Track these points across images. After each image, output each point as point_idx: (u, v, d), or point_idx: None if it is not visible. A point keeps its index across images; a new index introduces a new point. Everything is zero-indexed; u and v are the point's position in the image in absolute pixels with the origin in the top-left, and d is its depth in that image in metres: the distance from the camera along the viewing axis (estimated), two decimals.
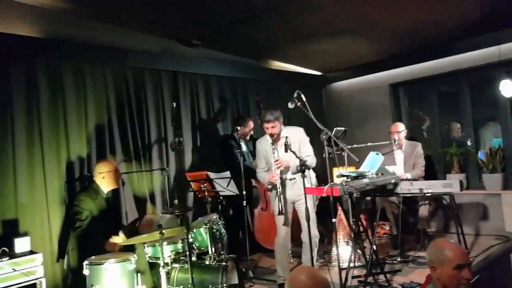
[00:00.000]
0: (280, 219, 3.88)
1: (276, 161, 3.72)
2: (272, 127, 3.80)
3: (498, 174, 5.11)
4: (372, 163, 4.29)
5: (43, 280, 3.20)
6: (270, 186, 3.89)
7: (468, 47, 5.24)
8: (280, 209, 3.63)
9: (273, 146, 3.80)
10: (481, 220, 5.22)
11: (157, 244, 3.30)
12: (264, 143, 3.97)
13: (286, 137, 3.62)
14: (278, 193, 3.65)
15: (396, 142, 5.00)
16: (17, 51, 3.67)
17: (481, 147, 5.55)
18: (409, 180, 4.51)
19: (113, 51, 4.33)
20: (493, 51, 5.03)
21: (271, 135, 3.81)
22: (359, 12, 4.34)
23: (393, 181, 4.15)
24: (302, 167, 3.31)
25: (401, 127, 5.08)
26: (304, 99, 3.51)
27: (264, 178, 3.92)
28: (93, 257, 3.16)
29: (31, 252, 3.25)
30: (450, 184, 4.17)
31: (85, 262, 3.08)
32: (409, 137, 5.29)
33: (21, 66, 3.69)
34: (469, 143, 5.57)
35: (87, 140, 4.06)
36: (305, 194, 3.42)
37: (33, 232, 3.57)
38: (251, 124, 5.07)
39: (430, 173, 5.22)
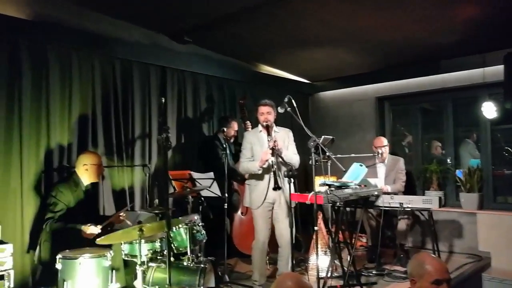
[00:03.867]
0: (259, 220, 3.81)
1: (274, 140, 3.61)
2: (268, 112, 3.77)
3: (475, 193, 5.21)
4: (355, 174, 4.31)
5: (12, 272, 3.05)
6: (260, 171, 3.74)
7: (454, 67, 5.35)
8: (277, 184, 3.46)
9: (267, 137, 3.74)
10: (455, 238, 5.32)
11: (134, 241, 3.21)
12: (254, 134, 3.94)
13: (275, 141, 3.60)
14: (274, 170, 3.53)
15: (379, 156, 5.05)
16: (1, 32, 3.51)
17: (460, 166, 5.66)
18: (389, 193, 4.55)
19: (103, 40, 4.20)
20: (478, 72, 5.15)
21: (265, 121, 3.75)
22: (352, 24, 4.38)
23: (375, 193, 4.18)
24: (290, 173, 3.27)
25: (384, 141, 5.14)
26: (294, 104, 3.50)
27: (249, 167, 3.82)
28: (67, 250, 3.03)
29: (1, 242, 3.10)
30: (429, 200, 4.23)
31: (58, 256, 2.95)
32: (391, 152, 5.35)
33: (5, 48, 3.55)
34: (449, 161, 5.68)
35: (69, 129, 3.93)
36: (290, 200, 3.40)
37: (4, 221, 3.40)
38: (235, 125, 5.01)
39: (410, 189, 5.28)
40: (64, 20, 3.94)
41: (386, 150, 5.08)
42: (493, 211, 5.12)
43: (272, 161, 3.60)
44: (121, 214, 3.54)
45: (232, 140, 5.08)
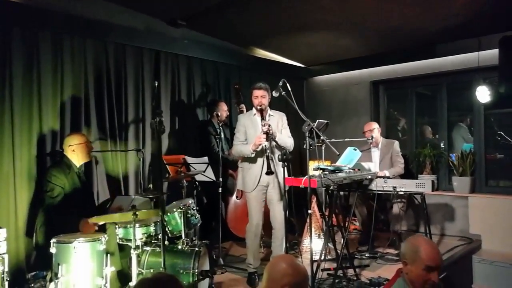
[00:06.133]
0: (253, 203, 3.82)
1: (268, 125, 3.60)
2: (262, 96, 3.76)
3: (467, 177, 5.26)
4: (349, 158, 4.33)
5: (6, 257, 3.03)
6: (253, 154, 3.75)
7: (450, 51, 5.33)
8: (270, 168, 3.48)
9: (261, 121, 3.72)
10: (447, 221, 5.38)
11: (129, 225, 3.22)
12: (248, 117, 3.93)
13: (269, 125, 3.59)
14: (267, 154, 3.55)
15: (372, 140, 5.05)
16: None
17: (452, 150, 5.69)
18: (386, 177, 4.55)
19: (95, 24, 4.14)
20: (473, 56, 5.13)
21: (259, 105, 3.74)
22: (348, 8, 4.33)
23: (369, 177, 4.21)
24: (284, 156, 3.28)
25: (373, 125, 5.13)
26: (289, 88, 3.48)
27: (242, 150, 3.81)
28: (61, 235, 3.03)
29: None
30: (422, 184, 4.26)
31: (53, 240, 2.94)
32: (385, 136, 5.35)
33: None
34: (442, 145, 5.71)
35: (61, 114, 3.89)
36: (284, 183, 3.42)
37: None
38: (223, 105, 4.95)
39: (405, 173, 5.31)
40: (55, 4, 3.86)
41: (376, 133, 5.07)
42: (484, 195, 5.18)
43: (265, 145, 3.60)
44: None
45: (224, 122, 5.04)
